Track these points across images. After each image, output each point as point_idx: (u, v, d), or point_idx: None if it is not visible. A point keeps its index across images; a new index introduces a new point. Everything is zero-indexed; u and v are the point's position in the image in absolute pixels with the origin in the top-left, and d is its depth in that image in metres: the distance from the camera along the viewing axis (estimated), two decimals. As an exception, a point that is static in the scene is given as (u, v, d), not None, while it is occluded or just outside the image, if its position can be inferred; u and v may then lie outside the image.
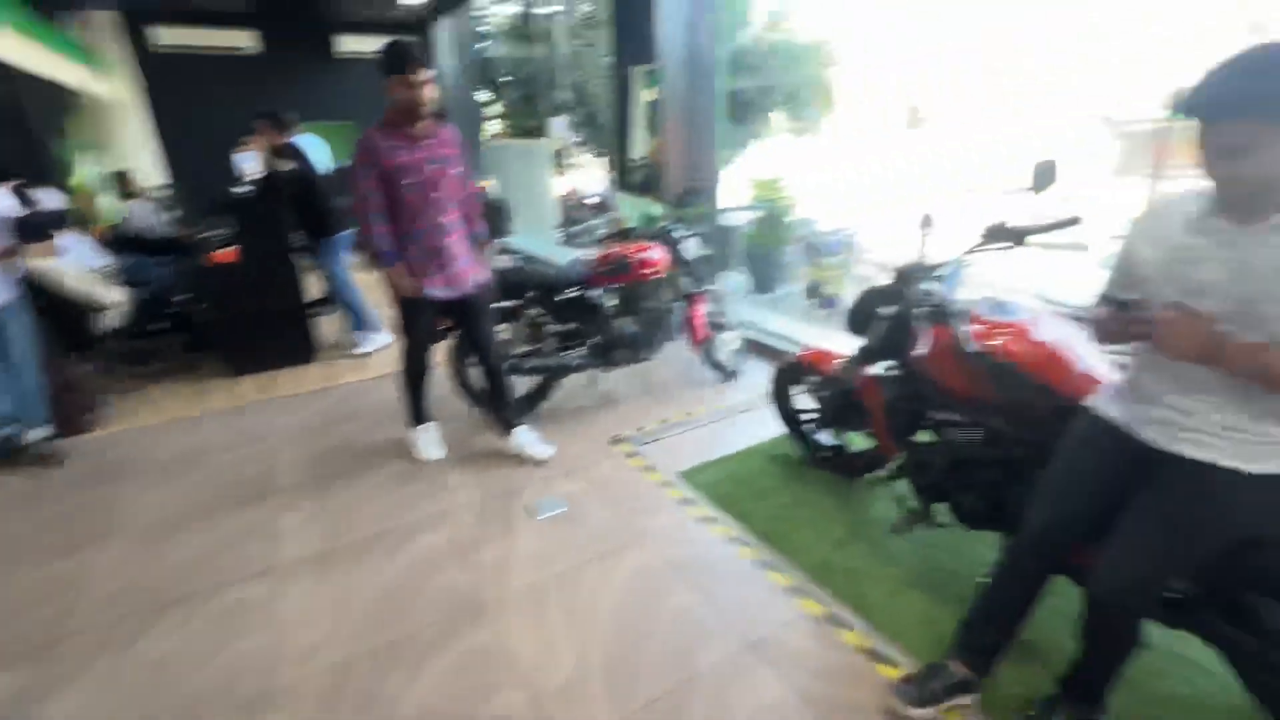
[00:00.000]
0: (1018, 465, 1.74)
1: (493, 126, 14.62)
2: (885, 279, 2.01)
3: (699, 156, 4.89)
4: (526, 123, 13.66)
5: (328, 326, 4.67)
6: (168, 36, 7.70)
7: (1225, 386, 1.18)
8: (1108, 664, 1.41)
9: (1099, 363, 1.61)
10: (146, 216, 5.05)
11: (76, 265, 3.69)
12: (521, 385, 3.23)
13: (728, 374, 3.73)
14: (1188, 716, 1.54)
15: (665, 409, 3.39)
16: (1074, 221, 1.78)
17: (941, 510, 2.00)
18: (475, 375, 3.10)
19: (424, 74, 2.33)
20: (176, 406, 3.67)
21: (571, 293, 3.31)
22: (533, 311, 3.25)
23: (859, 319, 2.08)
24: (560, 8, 12.80)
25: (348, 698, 1.69)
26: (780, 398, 2.79)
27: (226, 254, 3.94)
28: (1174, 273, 1.22)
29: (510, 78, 14.41)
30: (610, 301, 3.42)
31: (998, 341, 1.68)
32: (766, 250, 6.96)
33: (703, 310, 3.63)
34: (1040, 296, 5.96)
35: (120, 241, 4.66)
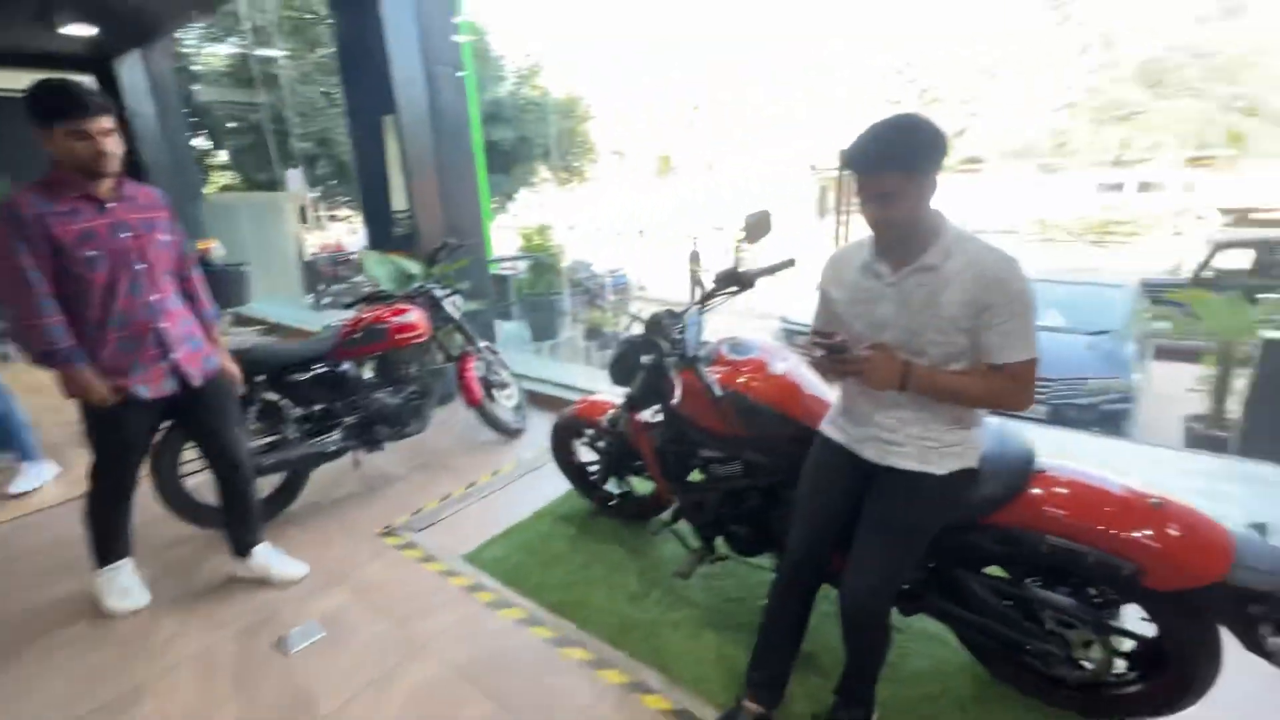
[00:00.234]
0: (775, 491, 1.87)
1: (219, 178, 12.70)
2: (638, 328, 2.06)
3: (459, 209, 4.71)
4: (258, 175, 12.11)
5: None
6: None
7: (915, 404, 1.38)
8: (871, 663, 1.53)
9: (824, 388, 1.80)
10: None
11: None
12: (260, 488, 2.68)
13: (511, 432, 3.56)
14: (933, 685, 1.76)
15: (444, 483, 3.09)
16: (791, 263, 2.01)
17: (721, 543, 2.08)
18: (197, 485, 2.49)
19: (100, 122, 1.81)
20: None
21: (318, 368, 2.88)
22: (270, 396, 2.73)
23: (620, 369, 2.10)
24: (284, 51, 11.67)
25: None
26: (561, 453, 2.71)
27: None
28: (859, 311, 1.41)
29: (236, 124, 12.72)
30: (366, 374, 3.05)
31: (741, 380, 1.80)
32: (541, 298, 7.02)
33: (475, 369, 3.43)
34: (782, 318, 6.87)
35: None
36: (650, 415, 2.21)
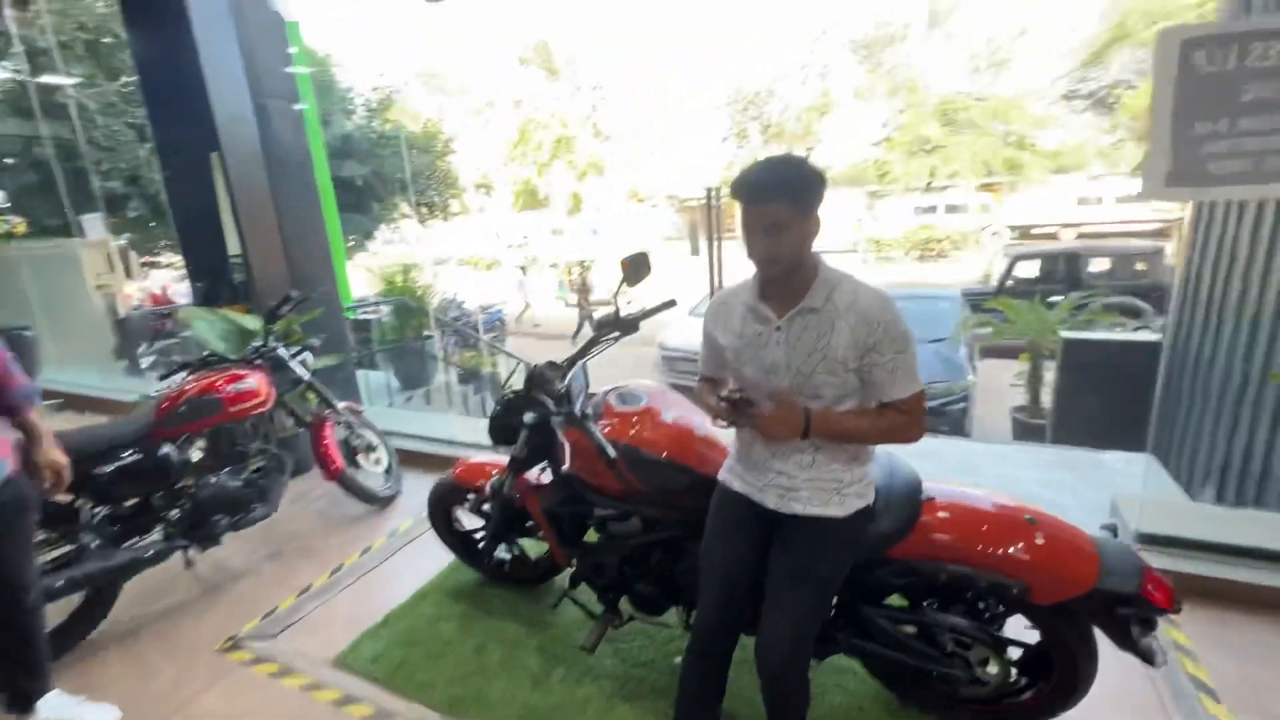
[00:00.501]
0: (678, 544, 1.78)
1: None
2: (518, 383, 1.90)
3: (305, 253, 4.24)
4: (49, 220, 10.31)
5: None
6: None
7: (812, 446, 1.36)
8: (795, 716, 1.48)
9: (718, 433, 1.76)
10: None
11: None
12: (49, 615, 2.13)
13: (381, 500, 3.19)
14: (850, 717, 1.75)
15: (302, 573, 2.67)
16: (673, 303, 1.96)
17: (626, 604, 1.95)
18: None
19: None
20: None
21: (127, 457, 2.37)
22: (59, 498, 2.19)
23: (501, 430, 1.92)
24: (73, 78, 10.12)
25: None
26: (442, 522, 2.44)
27: None
28: (748, 356, 1.37)
29: (12, 160, 10.76)
30: (193, 455, 2.58)
31: (633, 432, 1.71)
32: (408, 343, 6.54)
33: (333, 434, 3.05)
34: (660, 345, 6.95)
35: None
36: (538, 474, 2.05)
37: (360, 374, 5.61)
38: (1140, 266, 9.29)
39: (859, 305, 1.27)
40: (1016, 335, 6.23)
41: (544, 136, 26.27)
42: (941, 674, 1.53)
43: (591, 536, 1.99)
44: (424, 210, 16.74)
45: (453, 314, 8.14)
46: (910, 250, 20.53)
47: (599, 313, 1.89)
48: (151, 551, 2.34)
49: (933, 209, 22.75)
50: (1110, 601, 1.31)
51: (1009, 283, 9.86)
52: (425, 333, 6.76)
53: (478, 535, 2.46)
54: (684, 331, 7.39)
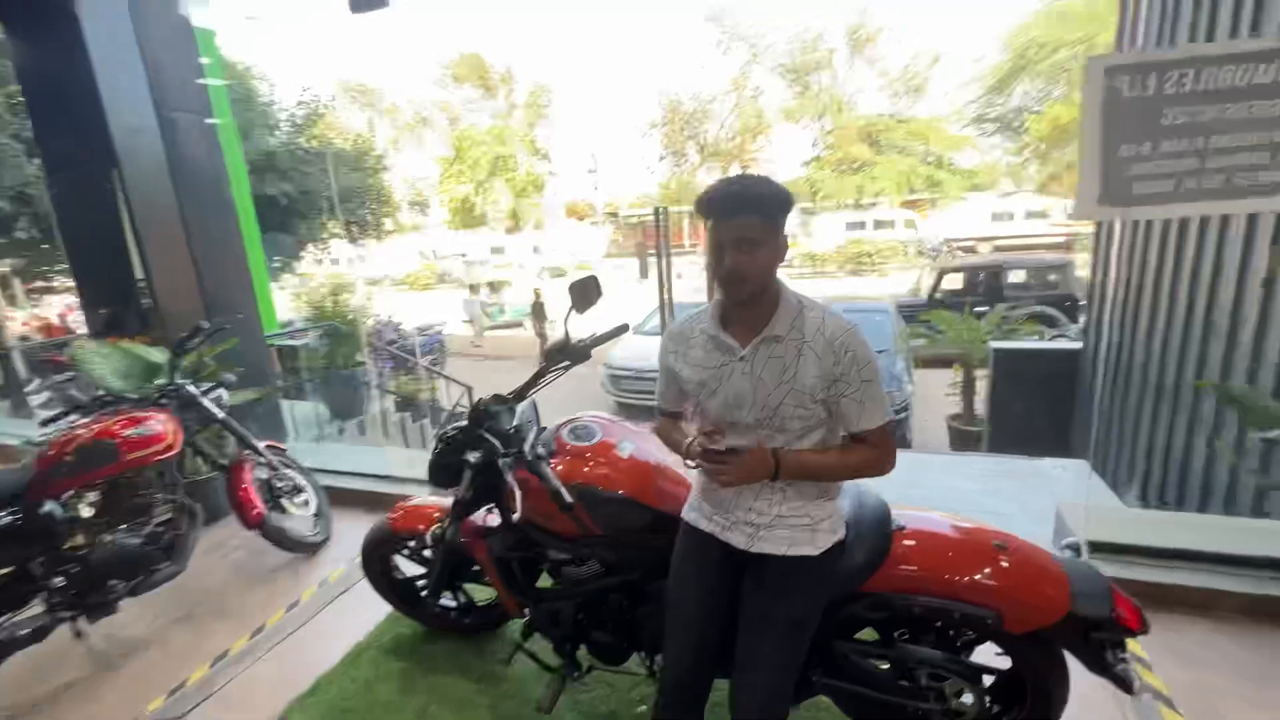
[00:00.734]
0: (639, 586, 1.67)
1: None
2: (461, 418, 1.75)
3: (220, 276, 3.91)
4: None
5: None
6: None
7: (782, 484, 1.28)
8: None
9: (678, 466, 1.66)
10: None
11: None
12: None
13: (309, 547, 2.91)
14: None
15: (218, 637, 2.38)
16: (625, 329, 1.86)
17: (585, 652, 1.81)
18: None
19: None
20: None
21: (1, 518, 2.06)
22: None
23: (442, 472, 1.75)
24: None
25: None
26: (378, 572, 2.23)
27: None
28: (712, 388, 1.29)
29: None
30: (84, 511, 2.27)
31: (587, 469, 1.59)
32: (340, 371, 6.16)
33: (253, 478, 2.77)
34: (605, 364, 6.83)
35: None
36: (484, 516, 1.89)
37: (287, 406, 5.22)
38: (1053, 278, 9.94)
39: (825, 334, 1.21)
40: (949, 346, 6.49)
41: (480, 154, 25.90)
42: (917, 709, 1.47)
43: (545, 581, 1.85)
44: (355, 229, 16.07)
45: (388, 337, 7.76)
46: (844, 264, 21.36)
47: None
48: (25, 631, 2.03)
49: (862, 224, 23.84)
50: (1084, 627, 1.29)
51: (937, 295, 10.35)
52: (358, 358, 6.40)
53: (420, 583, 2.26)
54: (631, 349, 7.31)
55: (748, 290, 1.21)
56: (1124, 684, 1.27)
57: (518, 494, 1.49)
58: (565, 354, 1.71)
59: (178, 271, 3.69)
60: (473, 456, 1.64)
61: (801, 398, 1.21)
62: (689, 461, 1.32)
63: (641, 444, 1.70)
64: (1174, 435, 3.50)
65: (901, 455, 1.31)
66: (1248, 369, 2.88)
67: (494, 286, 16.29)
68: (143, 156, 3.50)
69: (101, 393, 2.56)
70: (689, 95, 25.08)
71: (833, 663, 1.52)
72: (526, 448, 1.58)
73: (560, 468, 1.59)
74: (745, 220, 1.17)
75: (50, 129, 3.65)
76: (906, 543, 1.40)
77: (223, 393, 2.78)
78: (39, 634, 2.06)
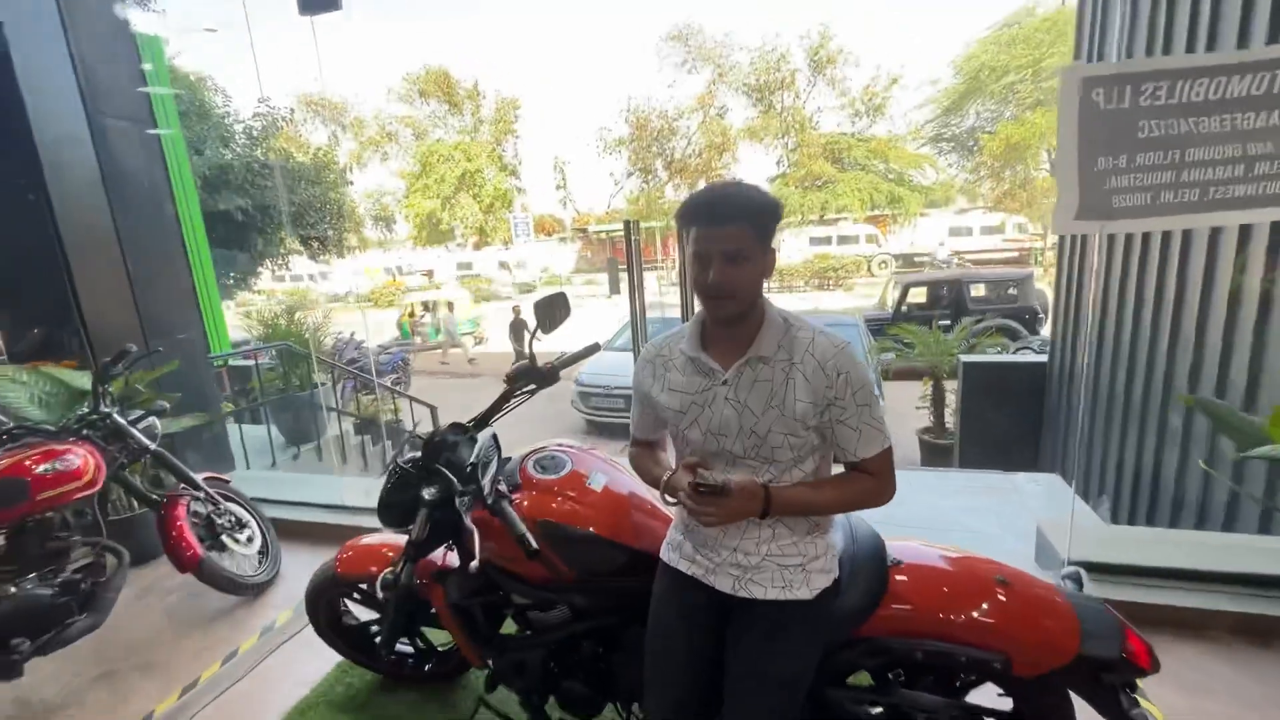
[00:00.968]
0: (613, 631, 1.52)
1: None
2: (414, 452, 1.59)
3: (159, 295, 3.65)
4: None
5: None
6: None
7: (770, 520, 1.16)
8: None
9: (654, 499, 1.53)
10: None
11: None
12: None
13: (252, 589, 2.68)
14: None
15: (142, 697, 2.13)
16: (596, 348, 1.74)
17: (554, 705, 1.65)
18: None
19: None
20: None
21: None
22: None
23: (393, 511, 1.57)
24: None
25: None
26: (325, 620, 2.03)
27: None
28: (693, 415, 1.17)
29: None
30: (-14, 560, 2.02)
31: (555, 505, 1.44)
32: (296, 393, 5.86)
33: (188, 514, 2.53)
34: (576, 380, 6.67)
35: None
36: (442, 555, 1.72)
37: (238, 431, 4.92)
38: (1012, 291, 10.19)
39: (816, 355, 1.10)
40: (918, 359, 6.53)
41: (446, 169, 25.58)
42: (918, 761, 1.36)
43: (510, 628, 1.69)
44: (316, 245, 15.60)
45: (348, 356, 7.45)
46: (810, 279, 21.67)
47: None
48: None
49: (828, 240, 24.31)
50: (1095, 668, 1.19)
51: (904, 309, 10.50)
52: (315, 379, 6.10)
53: (374, 629, 2.07)
54: (602, 365, 7.17)
55: (733, 307, 1.10)
56: None
57: (476, 535, 1.34)
58: (531, 376, 1.57)
59: (111, 291, 3.43)
60: (428, 493, 1.48)
61: (792, 424, 1.10)
62: (668, 497, 1.20)
63: (615, 474, 1.56)
64: (1144, 448, 3.52)
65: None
66: (1217, 381, 2.90)
67: (427, 306, 15.96)
68: (72, 167, 3.26)
69: (12, 425, 2.30)
70: (656, 113, 25.27)
71: (825, 711, 1.40)
72: (486, 484, 1.42)
73: (525, 504, 1.44)
74: (736, 229, 1.06)
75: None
76: (905, 580, 1.29)
77: (154, 421, 2.55)
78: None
